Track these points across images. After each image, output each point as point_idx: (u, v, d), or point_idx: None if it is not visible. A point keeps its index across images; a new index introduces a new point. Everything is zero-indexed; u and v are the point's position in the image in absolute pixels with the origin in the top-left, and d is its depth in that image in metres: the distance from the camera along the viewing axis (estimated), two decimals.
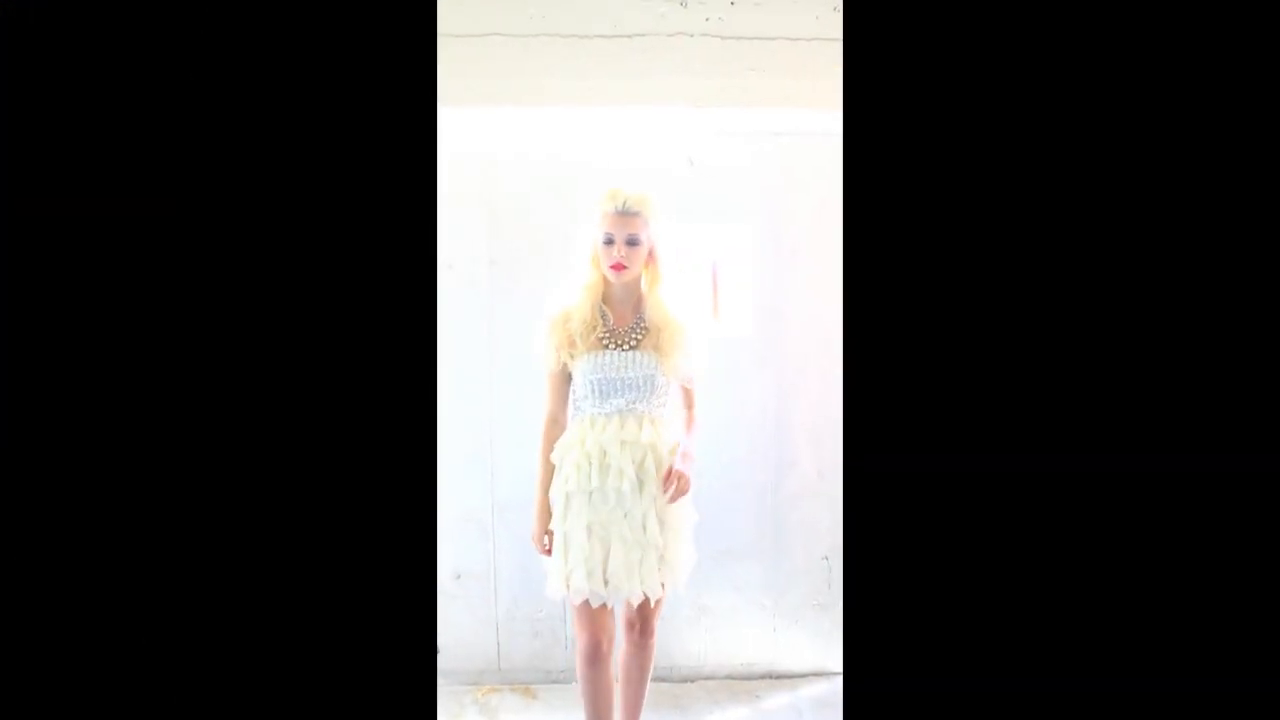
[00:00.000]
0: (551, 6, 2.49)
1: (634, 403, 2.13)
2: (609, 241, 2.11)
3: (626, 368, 2.12)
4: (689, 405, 2.27)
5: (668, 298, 2.17)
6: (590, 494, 2.08)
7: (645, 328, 2.17)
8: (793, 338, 2.85)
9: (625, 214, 2.11)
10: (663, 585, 2.13)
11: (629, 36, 2.51)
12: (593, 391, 2.12)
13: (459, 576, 2.84)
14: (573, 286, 2.19)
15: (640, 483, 2.09)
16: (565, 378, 2.18)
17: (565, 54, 2.49)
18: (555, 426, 2.20)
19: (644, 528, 2.09)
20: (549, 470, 2.17)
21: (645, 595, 2.10)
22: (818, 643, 2.93)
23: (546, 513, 2.16)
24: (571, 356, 2.13)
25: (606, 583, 2.07)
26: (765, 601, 2.91)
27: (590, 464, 2.08)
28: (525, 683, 2.84)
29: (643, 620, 2.19)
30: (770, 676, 2.91)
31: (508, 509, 2.81)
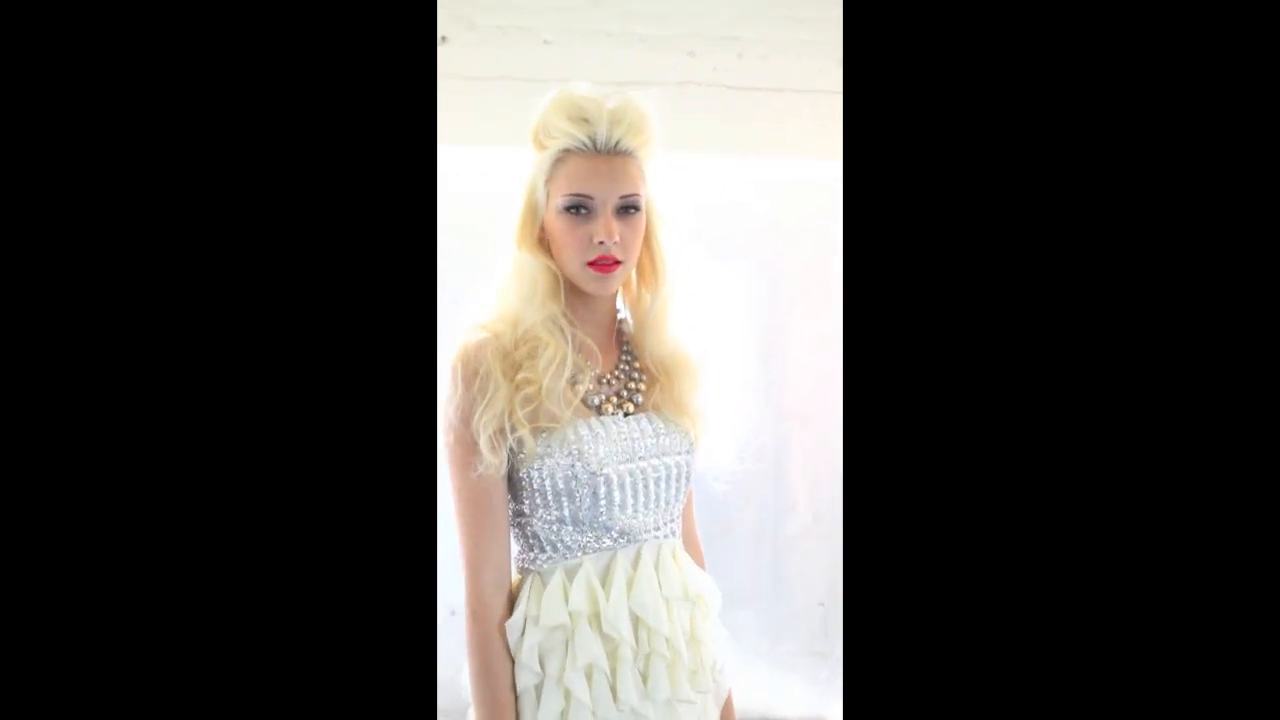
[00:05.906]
0: (562, 53, 2.53)
1: (667, 520, 1.15)
2: (581, 212, 1.06)
3: (652, 451, 1.11)
4: (684, 512, 1.23)
5: (669, 310, 1.17)
6: None
7: (639, 368, 1.17)
8: (790, 381, 2.88)
9: (612, 154, 1.07)
10: None
11: (639, 84, 2.54)
12: (588, 504, 1.08)
13: (454, 613, 2.78)
14: (506, 295, 1.13)
15: (692, 674, 1.15)
16: (502, 490, 1.09)
17: None
18: (501, 598, 1.10)
19: None
20: (508, 705, 1.07)
21: None
22: (814, 690, 2.91)
23: None
24: (536, 437, 1.05)
25: None
26: (761, 648, 2.89)
27: (619, 659, 1.06)
28: None
29: None
30: None
31: None
